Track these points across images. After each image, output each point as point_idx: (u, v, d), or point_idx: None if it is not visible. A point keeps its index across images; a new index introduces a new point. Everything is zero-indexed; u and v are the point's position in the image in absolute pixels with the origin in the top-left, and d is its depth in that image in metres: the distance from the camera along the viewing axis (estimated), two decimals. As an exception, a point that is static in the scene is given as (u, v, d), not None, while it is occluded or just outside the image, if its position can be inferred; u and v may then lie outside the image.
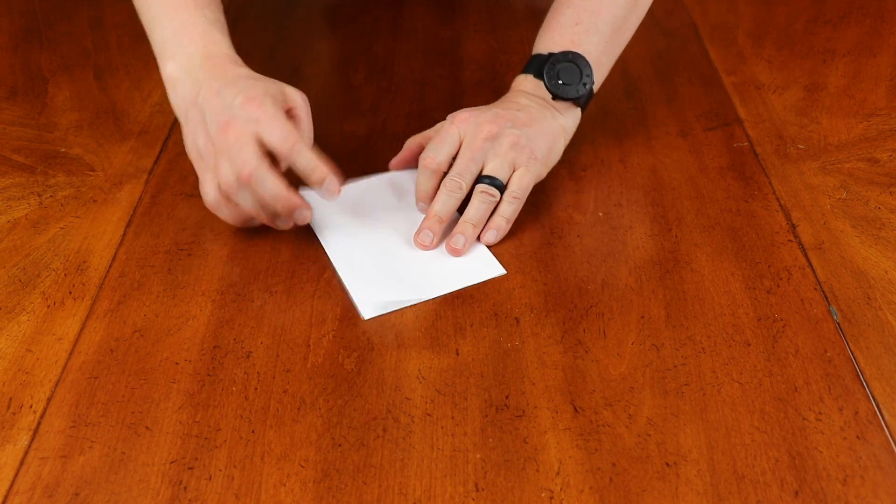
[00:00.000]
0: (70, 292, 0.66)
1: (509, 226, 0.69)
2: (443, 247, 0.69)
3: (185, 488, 0.52)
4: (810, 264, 0.66)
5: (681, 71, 0.92)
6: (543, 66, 0.73)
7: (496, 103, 0.74)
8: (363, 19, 1.05)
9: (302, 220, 0.67)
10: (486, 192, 0.68)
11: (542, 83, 0.73)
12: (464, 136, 0.70)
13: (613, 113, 0.85)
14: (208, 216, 0.73)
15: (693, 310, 0.63)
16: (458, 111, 0.72)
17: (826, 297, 0.63)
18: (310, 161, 0.65)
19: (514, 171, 0.69)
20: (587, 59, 0.73)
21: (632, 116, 0.85)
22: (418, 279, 0.66)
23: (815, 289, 0.64)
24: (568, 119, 0.74)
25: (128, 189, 0.77)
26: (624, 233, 0.70)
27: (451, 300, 0.64)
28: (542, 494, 0.51)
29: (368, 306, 0.63)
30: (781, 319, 0.62)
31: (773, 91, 0.88)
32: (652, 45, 0.97)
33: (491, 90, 0.90)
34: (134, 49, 0.99)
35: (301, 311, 0.64)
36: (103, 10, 1.08)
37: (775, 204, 0.73)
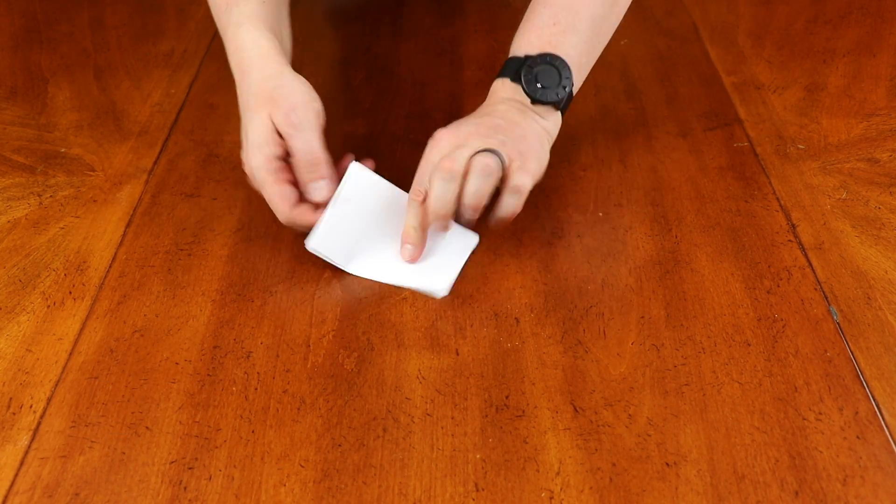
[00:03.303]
0: (70, 292, 0.66)
1: (512, 219, 0.66)
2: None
3: (185, 488, 0.52)
4: (810, 264, 0.66)
5: (681, 71, 0.92)
6: (521, 70, 0.70)
7: (474, 114, 0.70)
8: (363, 19, 1.05)
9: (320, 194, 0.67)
10: (482, 164, 0.63)
11: (519, 87, 0.70)
12: (446, 152, 0.65)
13: (613, 113, 0.85)
14: (208, 216, 0.73)
15: (693, 310, 0.63)
16: (436, 132, 0.67)
17: (826, 297, 0.63)
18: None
19: (510, 163, 0.64)
20: (566, 60, 0.70)
21: (632, 116, 0.85)
22: (379, 258, 0.66)
23: (815, 289, 0.64)
24: (550, 123, 0.71)
25: (128, 189, 0.77)
26: (624, 233, 0.70)
27: (451, 300, 0.64)
28: (542, 494, 0.51)
29: (316, 240, 0.65)
30: (781, 319, 0.62)
31: (773, 91, 0.88)
32: (652, 45, 0.97)
33: (491, 90, 0.90)
34: (134, 49, 0.99)
35: (301, 311, 0.64)
36: (103, 10, 1.08)
37: (775, 204, 0.73)
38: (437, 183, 0.63)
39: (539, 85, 0.69)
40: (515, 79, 0.70)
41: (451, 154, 0.64)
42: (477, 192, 0.63)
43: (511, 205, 0.65)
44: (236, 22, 0.71)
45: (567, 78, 0.70)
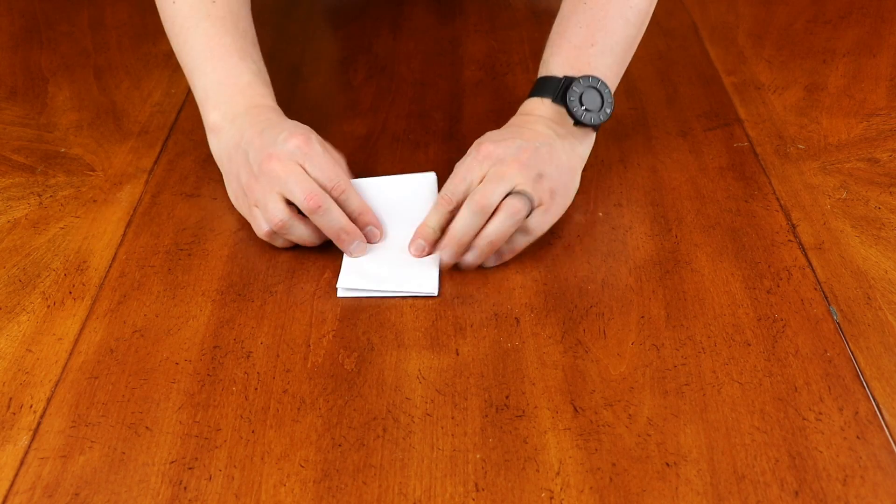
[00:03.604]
0: (70, 292, 0.66)
1: (511, 256, 0.67)
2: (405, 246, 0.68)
3: (185, 488, 0.52)
4: (810, 264, 0.66)
5: (681, 71, 0.92)
6: (565, 91, 0.69)
7: (515, 129, 0.69)
8: (363, 19, 1.05)
9: (359, 252, 0.67)
10: (513, 207, 0.63)
11: (562, 109, 0.69)
12: (486, 171, 0.65)
13: (613, 113, 0.85)
14: (208, 216, 0.73)
15: (693, 310, 0.63)
16: (483, 140, 0.67)
17: (826, 297, 0.63)
18: (360, 205, 0.67)
19: (537, 206, 0.65)
20: (606, 82, 0.70)
21: (632, 116, 0.85)
22: (367, 268, 0.67)
23: (815, 289, 0.64)
24: (585, 146, 0.72)
25: (128, 189, 0.77)
26: (624, 233, 0.70)
27: (451, 300, 0.64)
28: (542, 494, 0.51)
29: (344, 288, 0.65)
30: (781, 319, 0.62)
31: (773, 91, 0.88)
32: (652, 45, 0.97)
33: (491, 90, 0.90)
34: (134, 49, 0.99)
35: (301, 311, 0.64)
36: (103, 10, 1.08)
37: (775, 204, 0.73)
38: (466, 213, 0.64)
39: (584, 108, 0.69)
40: (559, 100, 0.70)
41: (486, 189, 0.64)
42: (499, 230, 0.64)
43: (520, 242, 0.66)
44: (255, 73, 0.73)
45: (609, 101, 0.70)
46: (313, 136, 0.67)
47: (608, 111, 0.70)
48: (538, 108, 0.71)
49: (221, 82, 0.72)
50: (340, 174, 0.66)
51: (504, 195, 0.64)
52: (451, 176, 0.67)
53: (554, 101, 0.70)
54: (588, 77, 0.69)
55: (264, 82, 0.73)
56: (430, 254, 0.67)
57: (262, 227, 0.66)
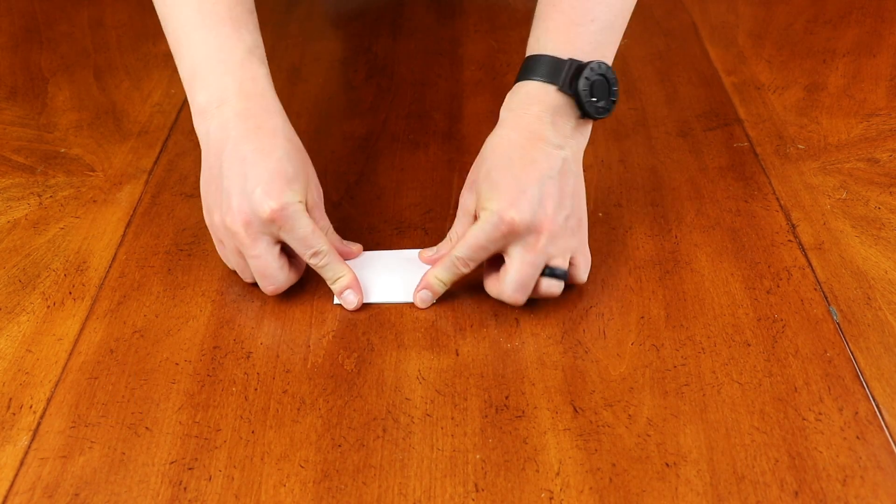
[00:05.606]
0: (70, 293, 0.66)
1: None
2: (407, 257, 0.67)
3: (185, 488, 0.52)
4: (810, 264, 0.66)
5: (681, 71, 0.92)
6: (573, 79, 0.61)
7: (521, 146, 0.61)
8: (363, 19, 1.05)
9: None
10: (549, 290, 0.61)
11: (570, 100, 0.61)
12: (510, 242, 0.60)
13: (613, 113, 0.85)
14: (208, 216, 0.73)
15: (693, 310, 0.63)
16: (504, 214, 0.58)
17: (826, 298, 0.63)
18: (334, 273, 0.63)
19: (573, 264, 0.63)
20: (611, 67, 0.62)
21: (632, 116, 0.85)
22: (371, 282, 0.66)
23: (815, 289, 0.64)
24: (585, 138, 0.64)
25: (128, 189, 0.77)
26: (624, 233, 0.70)
27: (451, 300, 0.64)
28: (542, 495, 0.51)
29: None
30: (781, 320, 0.62)
31: (773, 91, 0.88)
32: (652, 45, 0.97)
33: (491, 90, 0.90)
34: (134, 49, 0.99)
35: (301, 311, 0.64)
36: (103, 10, 1.08)
37: (775, 204, 0.73)
38: (509, 290, 0.60)
39: (594, 99, 0.61)
40: (566, 89, 0.61)
41: (524, 272, 0.60)
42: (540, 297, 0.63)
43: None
44: (249, 49, 0.64)
45: (615, 89, 0.62)
46: (288, 193, 0.60)
47: (614, 100, 0.62)
48: (542, 96, 0.62)
49: (210, 57, 0.63)
50: (318, 241, 0.61)
51: (541, 270, 0.61)
52: (469, 238, 0.61)
53: (560, 89, 0.61)
54: (599, 63, 0.61)
55: (259, 59, 0.64)
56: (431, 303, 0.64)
57: (227, 260, 0.65)
